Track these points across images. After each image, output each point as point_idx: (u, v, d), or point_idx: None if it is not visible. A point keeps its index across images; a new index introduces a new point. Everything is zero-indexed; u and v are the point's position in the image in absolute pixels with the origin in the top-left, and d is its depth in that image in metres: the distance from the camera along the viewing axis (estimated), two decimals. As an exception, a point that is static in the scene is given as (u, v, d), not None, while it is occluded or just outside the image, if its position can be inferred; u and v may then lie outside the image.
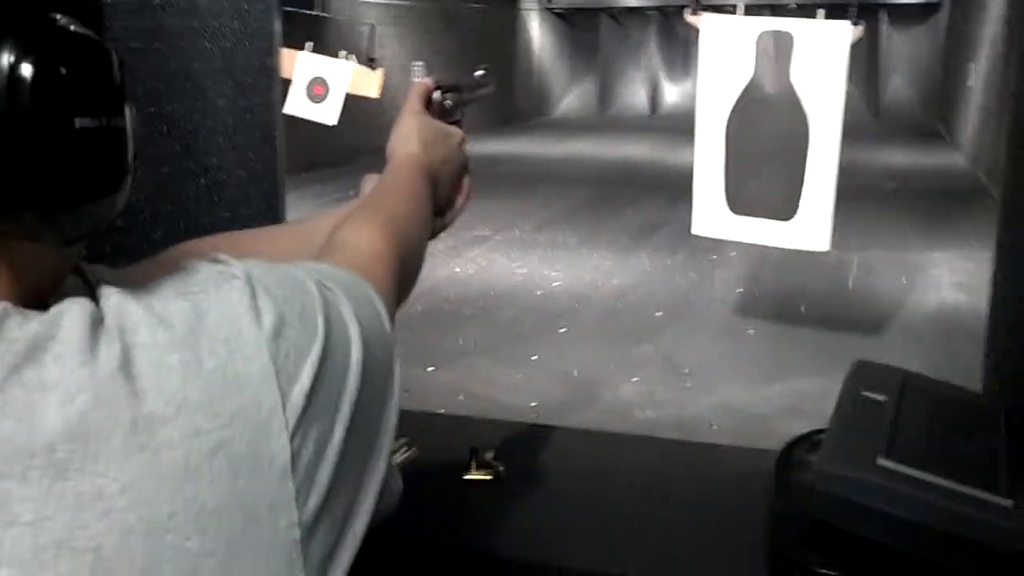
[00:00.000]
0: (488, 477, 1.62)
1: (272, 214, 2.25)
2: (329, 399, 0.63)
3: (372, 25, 8.13)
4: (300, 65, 6.98)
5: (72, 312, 0.58)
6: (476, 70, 1.47)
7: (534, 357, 6.37)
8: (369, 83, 7.34)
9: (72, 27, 0.61)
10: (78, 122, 0.60)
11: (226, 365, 0.59)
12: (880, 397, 1.31)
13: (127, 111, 0.65)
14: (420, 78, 1.24)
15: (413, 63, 15.74)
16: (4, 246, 0.61)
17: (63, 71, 0.59)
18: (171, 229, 1.91)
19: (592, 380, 5.94)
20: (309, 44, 7.12)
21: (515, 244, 9.61)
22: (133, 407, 0.55)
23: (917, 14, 22.50)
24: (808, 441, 1.37)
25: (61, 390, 0.54)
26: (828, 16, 5.19)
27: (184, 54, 1.95)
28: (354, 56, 7.31)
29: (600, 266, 8.85)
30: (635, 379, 5.97)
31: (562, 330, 7.01)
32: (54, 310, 0.58)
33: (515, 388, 5.80)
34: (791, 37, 5.07)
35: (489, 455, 1.65)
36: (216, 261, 0.67)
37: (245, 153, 2.14)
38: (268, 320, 0.62)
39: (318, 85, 7.04)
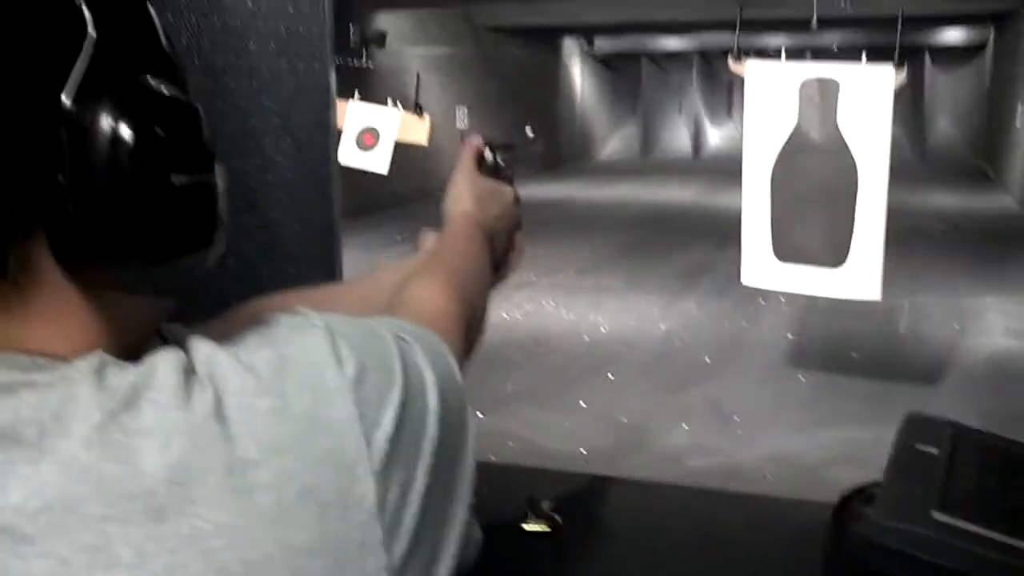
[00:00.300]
0: (546, 528, 1.64)
1: (329, 266, 2.30)
2: (411, 444, 0.64)
3: (418, 73, 8.27)
4: (350, 115, 7.10)
5: (166, 362, 0.61)
6: (524, 127, 1.50)
7: (582, 403, 6.37)
8: (418, 130, 7.45)
9: (164, 89, 0.65)
10: (174, 179, 0.64)
11: (312, 410, 0.61)
12: (932, 450, 1.32)
13: (217, 167, 0.68)
14: (464, 123, 1.27)
15: (457, 108, 15.95)
16: (101, 298, 0.65)
17: (159, 132, 0.63)
18: (235, 284, 1.96)
19: (641, 427, 5.93)
20: (357, 94, 7.24)
21: (561, 289, 9.65)
22: (226, 451, 0.57)
23: (961, 55, 22.42)
24: (863, 493, 1.38)
25: (159, 435, 0.56)
26: (871, 58, 5.20)
27: (243, 112, 2.02)
28: (400, 104, 7.43)
29: (647, 311, 8.85)
30: (684, 426, 5.95)
31: (610, 376, 7.01)
32: (149, 360, 0.61)
33: (564, 435, 5.80)
34: (836, 83, 5.09)
35: (547, 505, 1.67)
36: (295, 313, 0.69)
37: (303, 207, 2.20)
38: (349, 367, 0.63)
39: (368, 134, 7.16)
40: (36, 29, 0.60)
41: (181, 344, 0.76)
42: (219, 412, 0.58)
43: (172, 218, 0.64)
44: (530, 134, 1.43)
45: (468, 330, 0.94)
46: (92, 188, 0.61)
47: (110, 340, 0.65)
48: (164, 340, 0.78)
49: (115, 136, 0.61)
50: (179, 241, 0.65)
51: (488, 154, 1.28)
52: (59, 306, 0.63)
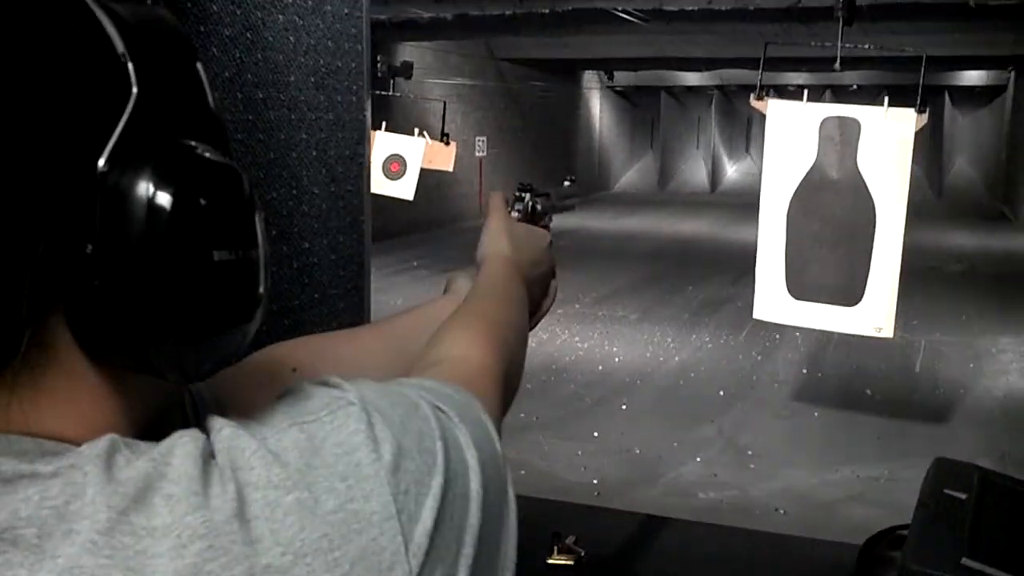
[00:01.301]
0: (570, 562, 1.65)
1: (358, 294, 2.34)
2: (451, 537, 0.58)
3: (444, 102, 8.43)
4: (378, 144, 7.27)
5: (183, 447, 0.53)
6: (564, 179, 1.50)
7: (595, 433, 6.37)
8: (444, 157, 7.65)
9: (208, 155, 0.58)
10: (216, 255, 0.57)
11: (345, 504, 0.54)
12: (961, 495, 1.33)
13: (261, 238, 0.61)
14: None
15: (477, 138, 16.08)
16: (121, 379, 0.58)
17: (202, 202, 0.56)
18: (264, 310, 2.01)
19: (654, 459, 5.93)
20: (384, 124, 7.40)
21: (576, 318, 9.66)
22: (249, 557, 0.50)
23: (981, 96, 22.46)
24: (889, 536, 1.39)
25: (172, 537, 0.50)
26: (891, 98, 5.24)
27: (282, 145, 2.06)
28: (427, 133, 7.61)
29: (661, 342, 8.86)
30: (697, 459, 5.95)
31: (623, 406, 7.01)
32: (164, 445, 0.54)
33: (576, 465, 5.81)
34: (858, 123, 5.12)
35: (570, 540, 1.69)
36: (327, 384, 0.62)
37: (335, 237, 2.24)
38: (387, 451, 0.56)
39: (395, 162, 7.35)
40: (76, 83, 0.54)
41: (199, 414, 0.70)
42: (241, 511, 0.51)
43: (210, 298, 0.57)
44: (567, 183, 1.41)
45: (507, 385, 0.85)
46: (123, 262, 0.54)
47: (127, 419, 0.59)
48: (183, 402, 0.73)
49: (153, 205, 0.54)
50: (216, 322, 0.58)
51: (527, 199, 1.24)
52: (73, 386, 0.57)
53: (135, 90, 0.56)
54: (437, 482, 0.57)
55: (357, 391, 0.60)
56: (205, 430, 0.56)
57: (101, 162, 0.54)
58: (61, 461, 0.51)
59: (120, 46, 0.56)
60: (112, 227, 0.54)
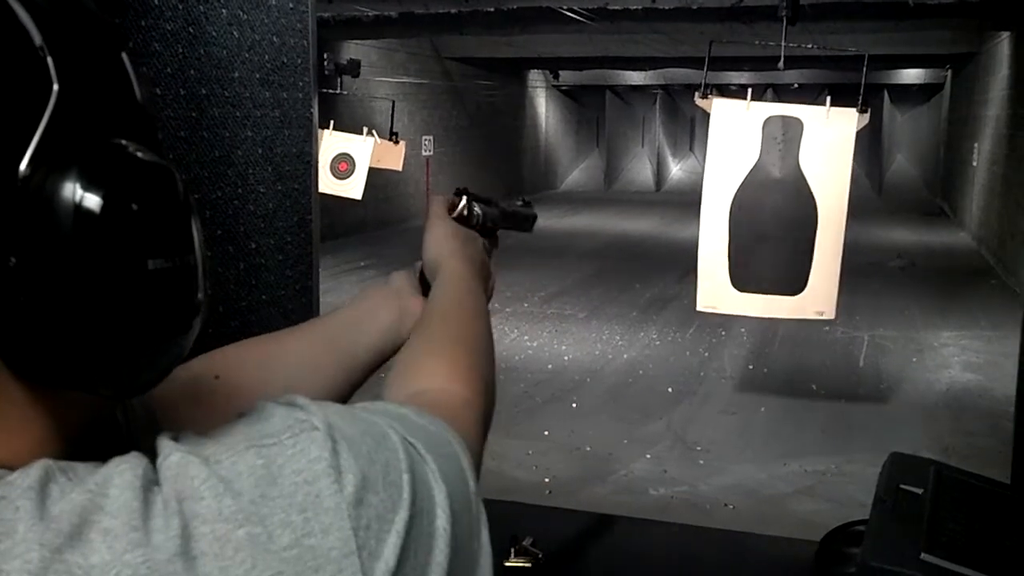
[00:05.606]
0: (528, 564, 1.64)
1: (307, 295, 2.30)
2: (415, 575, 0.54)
3: (393, 101, 8.39)
4: (326, 144, 7.19)
5: (121, 476, 0.49)
6: (518, 200, 1.44)
7: (546, 432, 6.37)
8: (393, 156, 7.59)
9: (140, 154, 0.54)
10: (150, 264, 0.53)
11: (301, 539, 0.50)
12: (917, 490, 1.34)
13: (198, 242, 0.57)
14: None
15: (423, 137, 16.02)
16: (52, 396, 0.54)
17: (135, 207, 0.52)
18: (210, 312, 1.96)
19: (604, 456, 5.94)
20: (332, 123, 7.33)
21: (524, 317, 9.66)
22: None
23: (919, 94, 22.89)
24: (846, 533, 1.39)
25: None
26: (832, 97, 5.30)
27: (227, 143, 2.01)
28: (375, 132, 7.56)
29: (610, 340, 8.89)
30: (647, 456, 5.97)
31: (573, 404, 7.02)
32: (101, 474, 0.50)
33: (527, 463, 5.80)
34: (800, 123, 5.17)
35: (527, 542, 1.67)
36: (291, 404, 0.57)
37: (283, 237, 2.20)
38: (350, 483, 0.52)
39: (343, 162, 7.27)
40: None
41: (130, 424, 0.65)
42: (186, 547, 0.47)
43: (145, 310, 0.53)
44: (519, 204, 1.37)
45: (486, 415, 0.81)
46: (50, 275, 0.50)
47: (58, 437, 0.55)
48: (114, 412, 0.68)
49: (81, 211, 0.50)
50: (152, 335, 0.54)
51: (463, 203, 1.18)
52: (1, 407, 0.53)
53: (56, 86, 0.51)
54: (401, 517, 0.54)
55: (323, 415, 0.56)
56: (149, 453, 0.52)
57: (22, 166, 0.49)
58: None
59: (37, 38, 0.51)
60: (37, 237, 0.50)
